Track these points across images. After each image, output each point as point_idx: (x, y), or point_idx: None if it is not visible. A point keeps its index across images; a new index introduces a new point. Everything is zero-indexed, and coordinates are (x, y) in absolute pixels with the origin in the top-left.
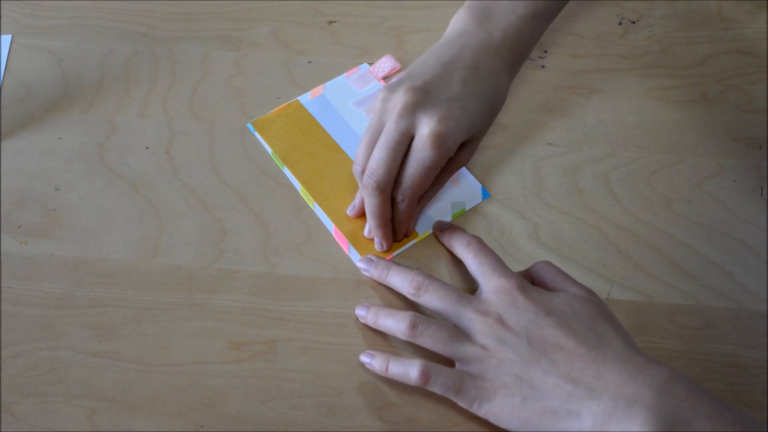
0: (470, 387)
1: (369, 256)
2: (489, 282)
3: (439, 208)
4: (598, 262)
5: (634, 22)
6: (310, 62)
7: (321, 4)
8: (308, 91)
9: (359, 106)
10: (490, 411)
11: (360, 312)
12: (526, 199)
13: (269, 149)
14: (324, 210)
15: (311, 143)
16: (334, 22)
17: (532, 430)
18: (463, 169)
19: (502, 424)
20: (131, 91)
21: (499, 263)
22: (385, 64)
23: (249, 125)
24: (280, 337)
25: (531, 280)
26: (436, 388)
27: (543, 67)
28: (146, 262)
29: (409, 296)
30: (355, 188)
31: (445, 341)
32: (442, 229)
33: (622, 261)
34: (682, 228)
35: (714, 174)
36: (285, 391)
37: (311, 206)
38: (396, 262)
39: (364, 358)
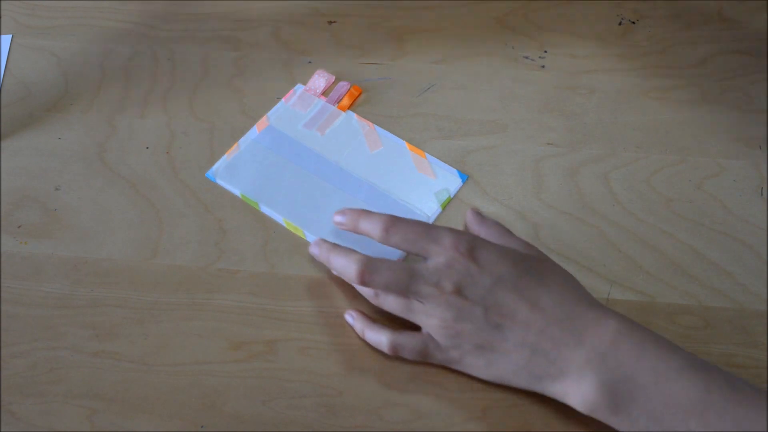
0: (436, 353)
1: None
2: (433, 254)
3: (424, 201)
4: (598, 262)
5: (634, 22)
6: (310, 62)
7: (321, 4)
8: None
9: (310, 127)
10: (461, 369)
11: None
12: (526, 199)
13: (238, 193)
14: (316, 236)
15: (276, 175)
16: (334, 22)
17: (506, 383)
18: (435, 159)
19: (475, 375)
20: (131, 91)
21: (430, 230)
22: (319, 80)
23: (208, 175)
24: (280, 337)
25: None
26: (406, 356)
27: (543, 67)
28: (146, 262)
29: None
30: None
31: (404, 310)
32: (343, 220)
33: (622, 261)
34: (682, 228)
35: (714, 174)
36: (285, 391)
37: (302, 236)
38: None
39: (347, 318)
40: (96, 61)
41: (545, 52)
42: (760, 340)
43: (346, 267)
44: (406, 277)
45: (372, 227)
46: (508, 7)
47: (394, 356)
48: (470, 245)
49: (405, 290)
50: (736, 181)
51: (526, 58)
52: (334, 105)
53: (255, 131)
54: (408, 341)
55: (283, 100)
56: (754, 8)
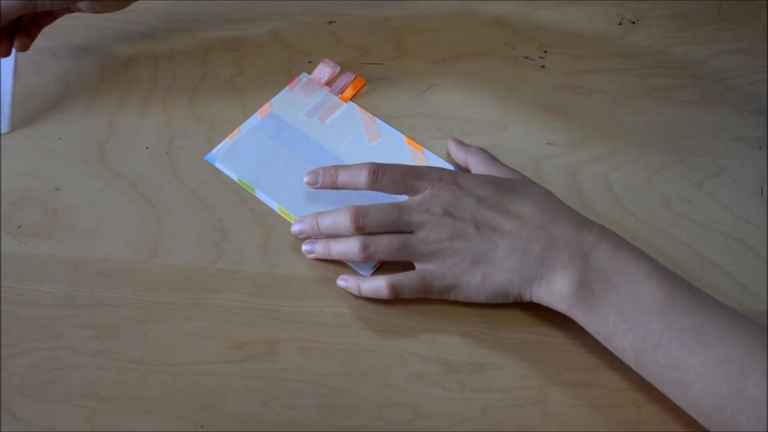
0: (435, 283)
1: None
2: (419, 190)
3: None
4: None
5: (634, 22)
6: (310, 62)
7: (321, 4)
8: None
9: (311, 116)
10: (458, 295)
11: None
12: None
13: (235, 177)
14: None
15: (274, 162)
16: (334, 22)
17: (501, 296)
18: (432, 154)
19: (472, 301)
20: (131, 91)
21: (414, 169)
22: (325, 70)
23: (207, 158)
24: (280, 337)
25: (465, 167)
26: (405, 295)
27: (543, 67)
28: (146, 262)
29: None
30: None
31: (399, 248)
32: (326, 179)
33: None
34: (682, 228)
35: (714, 174)
36: (285, 391)
37: (292, 221)
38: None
39: (340, 282)
40: (96, 61)
41: (545, 52)
42: None
43: (337, 220)
44: (398, 212)
45: (355, 176)
46: (508, 7)
47: (394, 297)
48: (453, 175)
49: (398, 224)
50: (736, 181)
51: (526, 58)
52: (337, 95)
53: (257, 117)
54: (405, 278)
55: (287, 87)
56: (754, 8)
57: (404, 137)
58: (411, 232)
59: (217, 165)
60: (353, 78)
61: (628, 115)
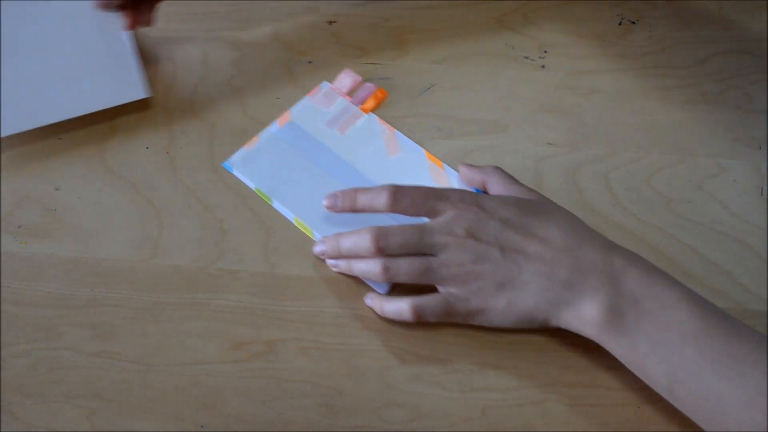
0: (459, 307)
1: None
2: (440, 212)
3: None
4: None
5: (634, 22)
6: (310, 62)
7: (321, 4)
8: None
9: (331, 126)
10: (483, 320)
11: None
12: None
13: (252, 186)
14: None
15: (292, 172)
16: (334, 22)
17: (528, 321)
18: (452, 171)
19: (496, 326)
20: None
21: (434, 191)
22: (346, 79)
23: (225, 165)
24: (280, 337)
25: (483, 188)
26: (428, 318)
27: (543, 67)
28: (146, 262)
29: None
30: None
31: (421, 271)
32: (343, 203)
33: None
34: (682, 228)
35: (714, 174)
36: (285, 391)
37: (310, 236)
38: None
39: (367, 301)
40: None
41: (545, 52)
42: None
43: (358, 242)
44: (420, 234)
45: (375, 198)
46: (508, 7)
47: (417, 321)
48: (475, 197)
49: (420, 245)
50: (736, 181)
51: (526, 58)
52: (357, 106)
53: (276, 125)
54: (429, 301)
55: (307, 96)
56: (754, 8)
57: (424, 152)
58: (432, 254)
59: (235, 172)
60: (375, 89)
61: (628, 115)
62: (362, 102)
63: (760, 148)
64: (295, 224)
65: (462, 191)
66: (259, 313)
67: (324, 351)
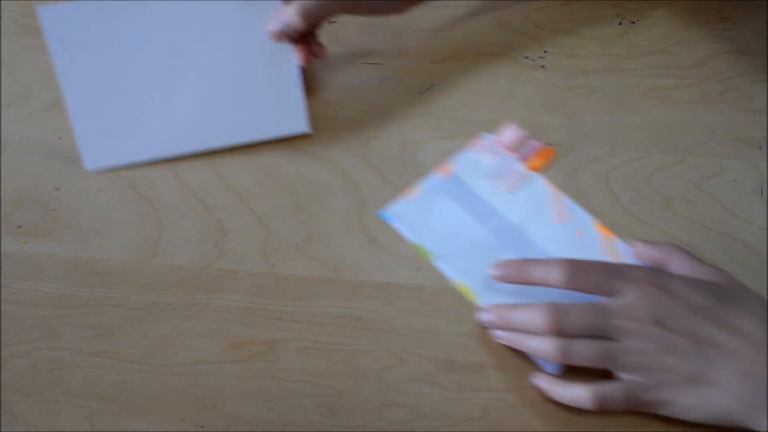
0: (644, 397)
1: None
2: (622, 292)
3: None
4: None
5: (634, 22)
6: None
7: None
8: (433, 169)
9: (495, 182)
10: (670, 412)
11: (484, 317)
12: None
13: (412, 240)
14: (489, 303)
15: (455, 229)
16: (334, 22)
17: (721, 420)
18: (624, 245)
19: (684, 419)
20: None
21: (615, 268)
22: (510, 134)
23: (382, 214)
24: (280, 337)
25: (661, 265)
26: (611, 408)
27: (543, 67)
28: (146, 262)
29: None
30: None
31: (602, 357)
32: (513, 274)
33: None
34: (682, 228)
35: (714, 174)
36: (285, 391)
37: (476, 302)
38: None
39: (538, 382)
40: None
41: (545, 52)
42: None
43: (532, 318)
44: (602, 316)
45: (549, 273)
46: (508, 7)
47: (599, 410)
48: (661, 278)
49: (601, 329)
50: (736, 181)
51: (526, 58)
52: (522, 163)
53: (437, 176)
54: (612, 390)
55: (469, 147)
56: (754, 8)
57: (594, 221)
58: (613, 338)
59: (394, 223)
60: (541, 146)
61: (628, 115)
62: (528, 159)
63: (760, 148)
64: (457, 287)
65: (645, 269)
66: (259, 313)
67: (324, 351)
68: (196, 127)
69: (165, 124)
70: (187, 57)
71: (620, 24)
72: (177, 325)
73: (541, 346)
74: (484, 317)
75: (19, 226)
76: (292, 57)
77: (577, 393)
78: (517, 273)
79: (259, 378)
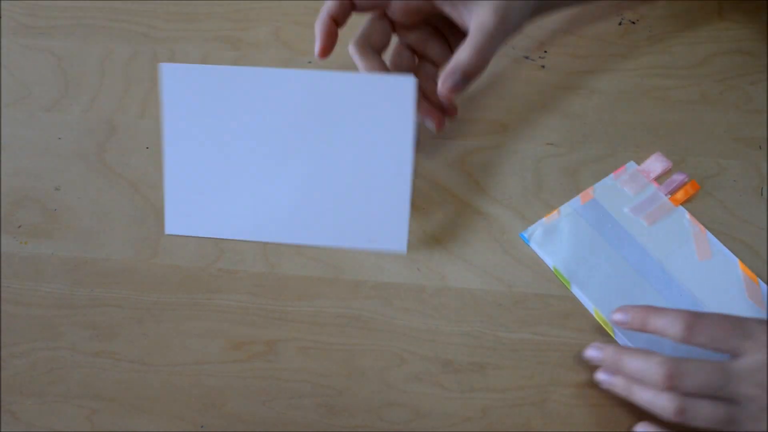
0: None
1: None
2: (746, 350)
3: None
4: None
5: (634, 22)
6: (310, 62)
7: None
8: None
9: (637, 213)
10: None
11: (593, 353)
12: (526, 199)
13: (550, 264)
14: (626, 340)
15: (594, 257)
16: None
17: None
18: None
19: None
20: (131, 91)
21: (736, 324)
22: (655, 164)
23: (522, 236)
24: (280, 337)
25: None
26: None
27: (543, 67)
28: (146, 262)
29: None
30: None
31: (724, 423)
32: (636, 321)
33: None
34: None
35: (714, 174)
36: (285, 391)
37: (611, 334)
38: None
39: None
40: (96, 61)
41: (545, 52)
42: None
43: (647, 369)
44: (723, 378)
45: (669, 325)
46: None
47: None
48: None
49: (722, 392)
50: (736, 181)
51: (526, 58)
52: (666, 196)
53: (578, 201)
54: None
55: (612, 175)
56: (754, 8)
57: (739, 262)
58: (734, 401)
59: (533, 246)
60: (686, 180)
61: (628, 115)
62: (671, 193)
63: (760, 148)
64: (595, 317)
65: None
66: (259, 313)
67: (324, 351)
68: (289, 219)
69: (258, 209)
70: (298, 141)
71: (620, 24)
72: (177, 325)
73: (657, 402)
74: (593, 353)
75: (19, 226)
76: (408, 163)
77: None
78: (637, 320)
79: (259, 378)
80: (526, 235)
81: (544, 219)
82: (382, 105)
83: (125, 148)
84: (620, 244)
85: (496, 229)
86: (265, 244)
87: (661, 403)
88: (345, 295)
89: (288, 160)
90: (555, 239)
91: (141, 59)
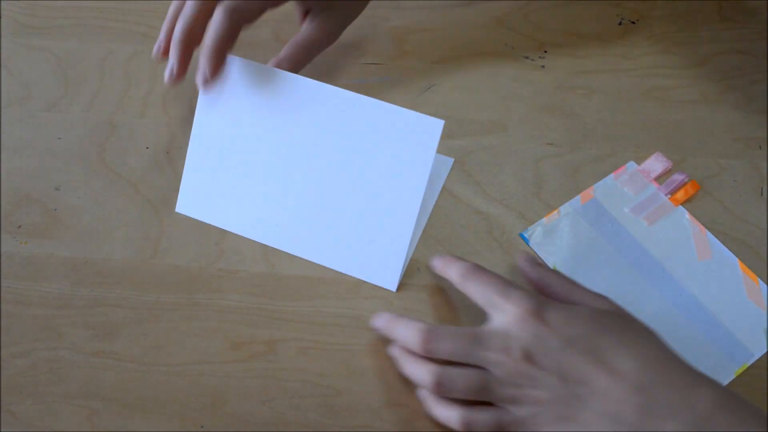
0: (513, 427)
1: (381, 314)
2: (499, 312)
3: (750, 335)
4: None
5: (634, 22)
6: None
7: None
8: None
9: (637, 213)
10: None
11: (376, 322)
12: (526, 199)
13: (550, 263)
14: None
15: (594, 256)
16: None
17: None
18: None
19: None
20: (131, 91)
21: (503, 286)
22: (656, 164)
23: (522, 235)
24: (280, 337)
25: (539, 288)
26: None
27: (543, 67)
28: (146, 262)
29: (419, 351)
30: None
31: (477, 390)
32: (438, 264)
33: None
34: None
35: (714, 174)
36: (285, 391)
37: None
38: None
39: (419, 393)
40: (96, 61)
41: (545, 52)
42: None
43: (409, 336)
44: (471, 344)
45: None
46: (508, 7)
47: None
48: (539, 304)
49: (470, 358)
50: (736, 181)
51: (526, 58)
52: (666, 196)
53: (578, 201)
54: (481, 416)
55: (612, 175)
56: (754, 8)
57: (738, 261)
58: (485, 368)
59: (533, 246)
60: (687, 180)
61: (628, 115)
62: (671, 193)
63: (760, 148)
64: None
65: (526, 294)
66: (259, 313)
67: (324, 351)
68: (291, 229)
69: (264, 212)
70: (319, 156)
71: (620, 24)
72: (177, 325)
73: (418, 374)
74: (376, 323)
75: (19, 226)
76: (417, 205)
77: (449, 415)
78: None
79: (259, 378)
80: (526, 235)
81: (544, 219)
82: (407, 140)
83: (125, 148)
84: (620, 244)
85: (496, 229)
86: (265, 244)
87: (423, 375)
88: (345, 295)
89: (304, 172)
90: (555, 239)
91: (141, 59)
